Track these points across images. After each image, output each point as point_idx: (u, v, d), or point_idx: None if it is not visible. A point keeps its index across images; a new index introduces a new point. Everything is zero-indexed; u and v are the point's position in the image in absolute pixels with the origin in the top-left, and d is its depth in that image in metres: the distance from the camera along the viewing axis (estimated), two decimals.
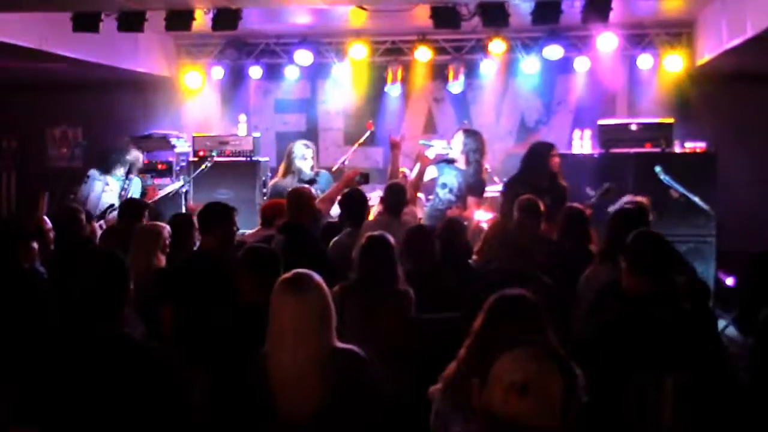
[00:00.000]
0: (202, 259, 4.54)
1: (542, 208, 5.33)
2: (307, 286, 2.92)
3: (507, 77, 9.48)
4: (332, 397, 2.83)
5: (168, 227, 4.97)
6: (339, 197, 6.03)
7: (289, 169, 7.35)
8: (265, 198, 7.96)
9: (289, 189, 5.99)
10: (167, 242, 4.89)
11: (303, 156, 7.35)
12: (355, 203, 5.71)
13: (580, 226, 5.25)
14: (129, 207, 5.94)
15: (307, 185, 6.49)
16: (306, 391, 2.83)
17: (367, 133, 8.57)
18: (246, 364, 2.97)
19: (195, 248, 4.99)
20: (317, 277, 2.97)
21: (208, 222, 4.65)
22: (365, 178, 6.66)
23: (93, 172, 7.63)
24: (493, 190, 7.86)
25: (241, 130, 8.97)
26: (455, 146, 6.74)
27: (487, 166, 7.25)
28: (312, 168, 7.38)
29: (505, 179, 8.04)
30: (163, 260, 4.83)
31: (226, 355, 3.29)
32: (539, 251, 4.36)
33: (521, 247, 4.19)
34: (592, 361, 3.28)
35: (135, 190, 7.68)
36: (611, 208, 5.37)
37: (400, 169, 6.86)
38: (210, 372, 3.27)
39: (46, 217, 5.32)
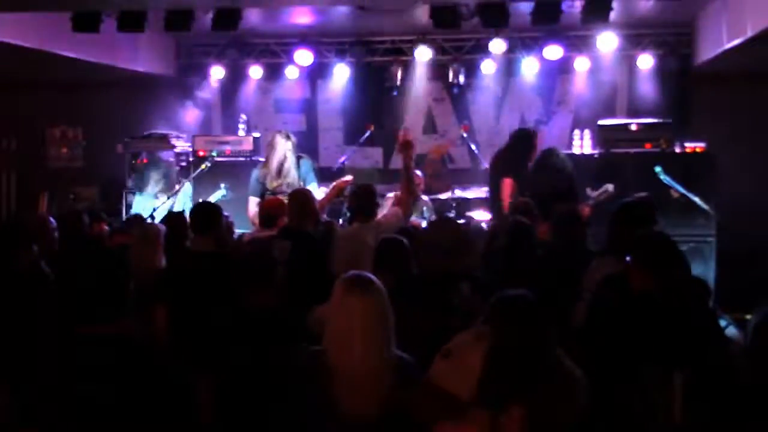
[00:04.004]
0: (200, 260, 4.53)
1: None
2: (372, 286, 2.91)
3: (507, 77, 9.48)
4: (394, 401, 2.75)
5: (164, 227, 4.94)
6: (347, 195, 5.93)
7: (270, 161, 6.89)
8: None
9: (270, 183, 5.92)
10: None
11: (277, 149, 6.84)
12: (363, 198, 5.43)
13: (573, 225, 5.23)
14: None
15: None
16: (372, 393, 2.78)
17: (367, 134, 8.58)
18: (292, 362, 2.92)
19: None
20: (377, 279, 2.96)
21: (205, 223, 4.63)
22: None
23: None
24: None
25: (241, 130, 8.97)
26: None
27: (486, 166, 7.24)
28: (284, 159, 6.77)
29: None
30: (162, 260, 4.82)
31: (228, 357, 3.29)
32: (470, 251, 4.26)
33: (444, 249, 4.01)
34: (598, 353, 3.28)
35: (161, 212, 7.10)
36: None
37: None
38: (214, 373, 3.27)
39: (51, 218, 5.31)
